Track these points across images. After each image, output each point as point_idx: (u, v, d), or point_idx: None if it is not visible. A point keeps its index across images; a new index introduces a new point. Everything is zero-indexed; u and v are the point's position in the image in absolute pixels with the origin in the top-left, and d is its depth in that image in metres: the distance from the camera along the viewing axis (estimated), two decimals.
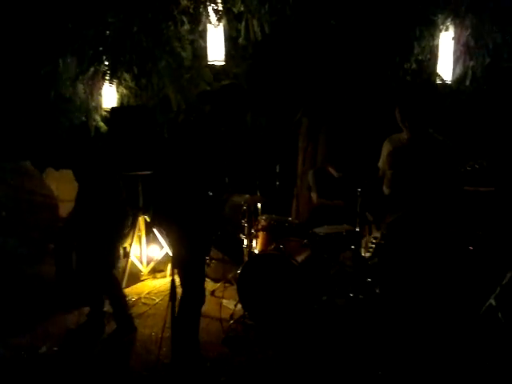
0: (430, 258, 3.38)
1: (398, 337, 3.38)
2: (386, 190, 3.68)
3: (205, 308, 3.79)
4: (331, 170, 4.54)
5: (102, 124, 4.74)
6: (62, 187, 3.37)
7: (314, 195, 4.76)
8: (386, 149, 3.68)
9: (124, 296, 3.60)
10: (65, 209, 4.11)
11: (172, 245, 2.97)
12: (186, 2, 4.34)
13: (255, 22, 4.58)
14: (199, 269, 2.94)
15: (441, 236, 3.55)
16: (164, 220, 2.97)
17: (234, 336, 3.48)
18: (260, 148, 5.40)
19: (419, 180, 3.31)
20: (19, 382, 2.94)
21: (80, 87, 4.79)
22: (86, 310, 3.57)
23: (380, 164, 3.74)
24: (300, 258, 3.73)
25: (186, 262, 2.87)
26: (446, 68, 4.67)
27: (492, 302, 3.42)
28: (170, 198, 2.90)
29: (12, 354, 3.21)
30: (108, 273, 3.42)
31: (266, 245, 4.05)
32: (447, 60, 4.67)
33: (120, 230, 3.49)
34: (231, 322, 3.63)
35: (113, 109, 4.67)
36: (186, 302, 2.90)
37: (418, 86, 4.83)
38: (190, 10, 4.44)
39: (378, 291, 3.86)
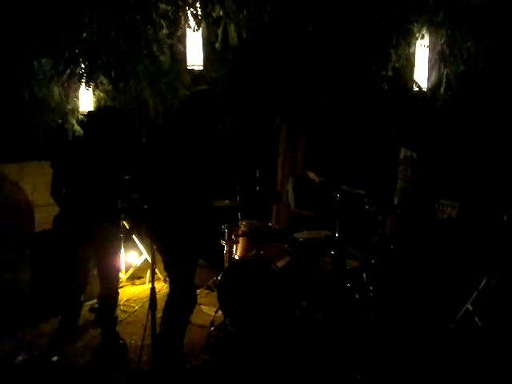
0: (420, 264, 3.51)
1: (377, 341, 3.43)
2: (395, 200, 3.81)
3: None
4: (312, 175, 4.56)
5: (78, 128, 4.66)
6: (37, 192, 3.28)
7: (291, 203, 4.80)
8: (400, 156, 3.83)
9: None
10: (41, 213, 4.01)
11: (161, 251, 2.94)
12: (165, 5, 4.31)
13: (233, 27, 4.60)
14: (190, 274, 2.95)
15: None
16: (154, 226, 2.91)
17: (214, 343, 3.46)
18: (239, 153, 5.40)
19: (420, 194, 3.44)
20: None
21: (55, 89, 4.70)
22: None
23: None
24: (280, 264, 3.73)
25: (178, 268, 2.89)
26: (421, 76, 4.78)
27: (469, 306, 3.50)
28: (163, 203, 2.89)
29: None
30: (116, 279, 3.43)
31: (246, 250, 4.04)
32: (423, 68, 4.78)
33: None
34: (212, 328, 3.61)
35: (89, 112, 4.59)
36: (174, 308, 2.90)
37: (394, 93, 4.92)
38: (169, 14, 4.41)
39: (357, 296, 3.92)
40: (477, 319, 3.46)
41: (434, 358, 3.22)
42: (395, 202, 4.17)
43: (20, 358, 3.18)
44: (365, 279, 4.00)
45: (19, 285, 3.90)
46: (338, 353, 3.30)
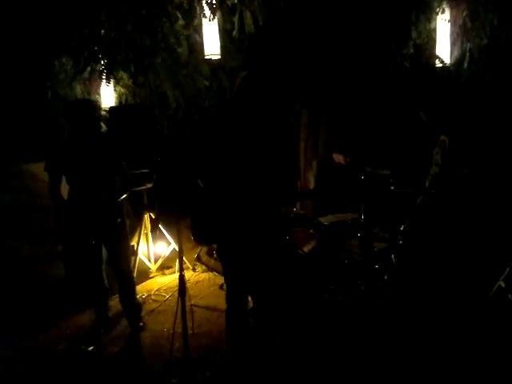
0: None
1: (406, 321, 3.40)
2: (426, 183, 3.81)
3: (215, 301, 3.86)
4: (338, 157, 4.48)
5: (101, 124, 4.73)
6: (65, 189, 3.35)
7: (311, 182, 4.77)
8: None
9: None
10: None
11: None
12: None
13: (249, 15, 4.57)
14: None
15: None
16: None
17: None
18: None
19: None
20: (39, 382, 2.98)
21: (77, 87, 4.79)
22: None
23: None
24: (307, 248, 3.73)
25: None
26: (443, 51, 4.66)
27: (501, 283, 3.42)
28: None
29: (28, 355, 3.24)
30: (128, 268, 3.46)
31: None
32: (445, 43, 4.66)
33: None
34: None
35: (111, 108, 4.66)
36: None
37: (417, 71, 4.82)
38: (184, 5, 4.43)
39: (386, 278, 3.88)
40: (510, 296, 3.39)
41: (467, 335, 3.17)
42: (426, 185, 4.12)
43: (58, 348, 3.29)
44: (393, 260, 3.95)
45: (53, 279, 4.02)
46: (367, 333, 3.29)
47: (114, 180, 3.33)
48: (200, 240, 2.88)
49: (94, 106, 3.41)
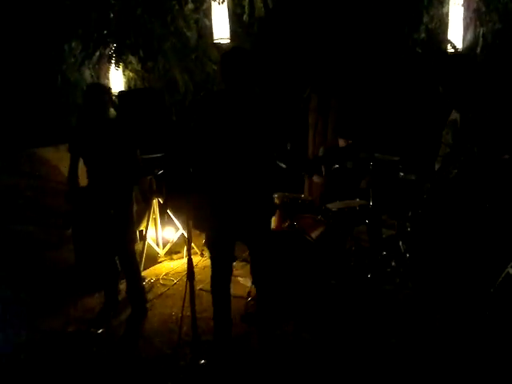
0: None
1: (415, 307, 3.41)
2: (436, 165, 3.75)
3: None
4: (342, 142, 4.47)
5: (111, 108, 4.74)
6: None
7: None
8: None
9: (142, 278, 3.68)
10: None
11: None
12: None
13: None
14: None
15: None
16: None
17: (252, 313, 3.52)
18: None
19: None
20: (50, 364, 3.02)
21: (87, 72, 4.79)
22: None
23: None
24: (315, 235, 3.73)
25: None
26: (456, 36, 4.59)
27: (509, 270, 3.41)
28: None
29: (38, 337, 3.30)
30: (132, 253, 3.48)
31: (279, 222, 4.05)
32: (457, 28, 4.59)
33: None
34: (249, 299, 3.66)
35: (120, 92, 4.66)
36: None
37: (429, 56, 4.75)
38: None
39: (393, 264, 3.89)
40: None
41: (475, 323, 3.17)
42: (436, 167, 4.04)
43: (68, 330, 3.35)
44: (401, 247, 3.95)
45: (63, 263, 4.07)
46: (374, 318, 3.31)
47: (128, 165, 3.35)
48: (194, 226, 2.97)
49: (104, 89, 3.43)
